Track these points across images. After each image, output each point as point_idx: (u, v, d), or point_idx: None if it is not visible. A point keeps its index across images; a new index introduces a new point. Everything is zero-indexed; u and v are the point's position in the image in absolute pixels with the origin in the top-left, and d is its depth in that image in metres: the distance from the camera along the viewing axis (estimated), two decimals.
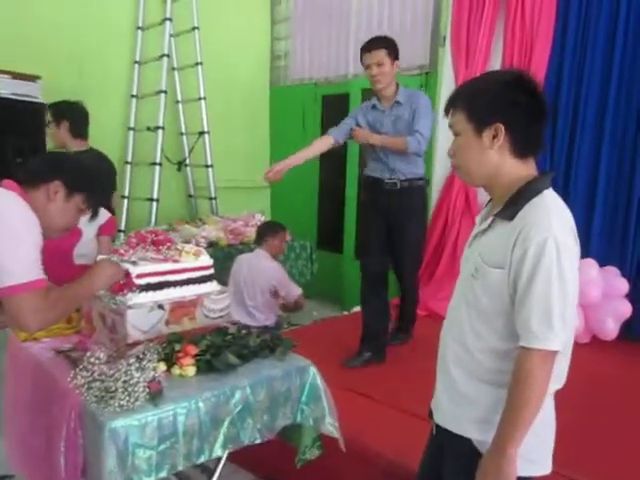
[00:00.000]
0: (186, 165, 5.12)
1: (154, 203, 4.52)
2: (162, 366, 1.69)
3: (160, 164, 4.55)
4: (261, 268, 3.44)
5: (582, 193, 3.83)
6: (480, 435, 1.28)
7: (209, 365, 1.72)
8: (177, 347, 1.74)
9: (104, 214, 2.52)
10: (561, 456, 1.39)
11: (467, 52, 4.21)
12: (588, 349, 3.46)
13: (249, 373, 1.75)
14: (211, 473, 1.91)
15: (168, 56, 4.66)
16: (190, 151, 5.04)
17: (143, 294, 1.84)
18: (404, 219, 3.08)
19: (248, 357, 1.82)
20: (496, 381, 1.26)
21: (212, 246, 4.16)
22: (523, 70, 1.29)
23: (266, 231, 3.65)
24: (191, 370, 1.69)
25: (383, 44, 2.94)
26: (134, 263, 1.88)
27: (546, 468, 1.31)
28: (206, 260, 2.03)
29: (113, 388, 1.47)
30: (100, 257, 1.99)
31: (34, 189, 1.69)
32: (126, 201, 4.70)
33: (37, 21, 4.17)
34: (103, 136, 4.69)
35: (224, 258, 4.19)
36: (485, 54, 4.13)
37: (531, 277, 1.16)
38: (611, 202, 3.73)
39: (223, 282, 3.94)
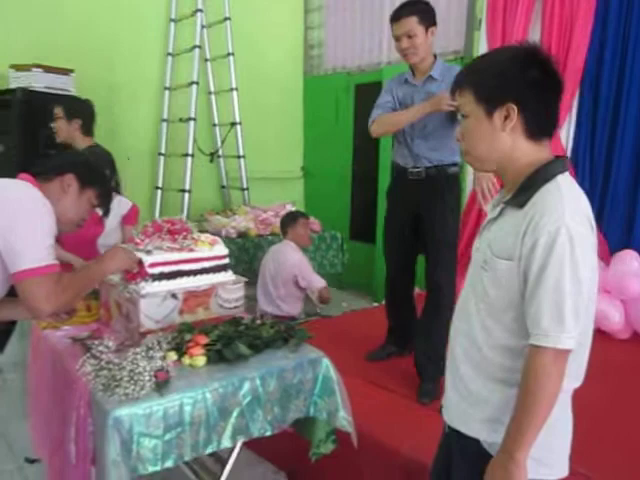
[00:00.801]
0: (219, 156, 5.14)
1: (186, 194, 4.56)
2: (172, 355, 1.68)
3: (192, 155, 4.58)
4: (285, 259, 3.44)
5: (625, 180, 3.63)
6: (489, 436, 1.21)
7: (219, 355, 1.70)
8: (187, 337, 1.73)
9: (126, 204, 2.54)
10: (594, 456, 1.31)
11: (503, 35, 4.06)
12: (628, 345, 3.30)
13: (260, 364, 1.72)
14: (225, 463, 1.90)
15: (200, 47, 4.68)
16: (222, 142, 5.06)
17: (156, 283, 1.84)
18: (433, 214, 2.67)
19: (260, 348, 1.79)
20: (506, 379, 1.18)
21: (242, 236, 4.17)
22: (534, 44, 1.20)
23: (286, 222, 3.65)
24: (201, 360, 1.68)
25: (413, 10, 2.53)
26: (148, 252, 1.88)
27: (561, 472, 1.23)
28: (221, 249, 2.01)
29: (119, 377, 1.47)
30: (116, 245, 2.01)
31: (48, 181, 1.72)
32: (159, 192, 4.77)
33: (69, 15, 4.24)
34: (136, 128, 4.78)
35: (254, 248, 4.20)
36: (522, 37, 3.96)
37: (542, 269, 1.08)
38: None
39: (252, 272, 3.98)
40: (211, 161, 5.01)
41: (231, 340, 1.74)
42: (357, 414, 1.91)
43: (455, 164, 2.70)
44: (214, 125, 5.17)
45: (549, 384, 1.09)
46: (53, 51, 3.97)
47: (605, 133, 3.70)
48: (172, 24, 4.79)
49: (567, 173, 1.18)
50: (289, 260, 3.46)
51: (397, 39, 2.59)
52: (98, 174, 1.81)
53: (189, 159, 4.56)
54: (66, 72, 3.78)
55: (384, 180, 4.99)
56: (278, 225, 4.31)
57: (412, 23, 2.53)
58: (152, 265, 1.83)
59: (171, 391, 1.52)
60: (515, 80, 1.15)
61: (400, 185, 2.84)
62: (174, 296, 1.86)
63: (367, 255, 5.21)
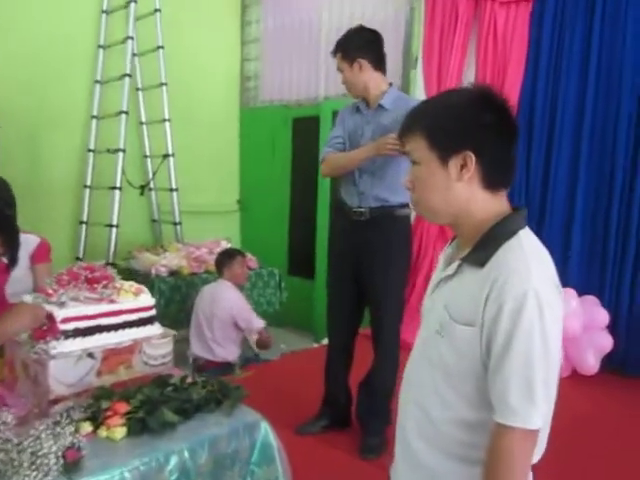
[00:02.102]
0: (150, 189, 4.89)
1: (113, 229, 4.27)
2: (87, 427, 1.46)
3: (120, 188, 4.31)
4: (221, 299, 3.24)
5: (559, 218, 3.70)
6: None
7: (142, 425, 1.48)
8: (105, 404, 1.50)
9: (33, 240, 2.25)
10: None
11: (439, 74, 4.11)
12: (568, 383, 3.28)
13: (189, 433, 1.52)
14: None
15: (130, 76, 4.45)
16: (154, 174, 4.82)
17: (70, 341, 1.61)
18: (375, 261, 2.46)
19: (190, 412, 1.59)
20: (466, 457, 1.05)
21: (173, 275, 3.93)
22: (488, 85, 1.11)
23: (222, 260, 3.47)
24: (120, 432, 1.45)
25: (339, 46, 2.54)
26: (62, 304, 1.66)
27: None
28: (147, 300, 1.81)
29: (18, 461, 1.23)
30: (25, 297, 1.76)
31: None
32: (84, 227, 4.46)
33: None
34: (60, 158, 4.48)
35: (187, 287, 3.97)
36: (457, 76, 4.03)
37: (508, 339, 0.96)
38: (589, 228, 3.60)
39: (184, 312, 3.74)
40: (141, 194, 4.74)
41: (156, 406, 1.53)
42: (298, 477, 1.73)
43: (405, 205, 2.50)
44: (145, 157, 4.92)
45: (518, 466, 0.97)
46: None
47: (539, 173, 3.77)
48: (101, 50, 4.56)
49: (527, 228, 1.09)
50: (226, 300, 3.26)
51: None
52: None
53: (117, 192, 4.29)
54: None
55: (323, 213, 4.90)
56: (212, 263, 4.11)
57: (338, 59, 2.55)
58: (65, 320, 1.60)
59: (83, 474, 1.29)
60: (473, 126, 1.05)
61: (342, 225, 2.65)
62: (91, 355, 1.64)
63: (307, 291, 5.06)
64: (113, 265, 4.17)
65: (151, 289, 3.85)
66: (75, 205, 4.55)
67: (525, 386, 0.95)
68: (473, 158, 1.04)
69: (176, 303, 3.89)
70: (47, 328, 1.60)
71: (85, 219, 4.45)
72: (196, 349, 3.36)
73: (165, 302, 3.83)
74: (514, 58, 3.73)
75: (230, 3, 5.57)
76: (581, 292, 3.39)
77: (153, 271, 3.86)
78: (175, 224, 4.87)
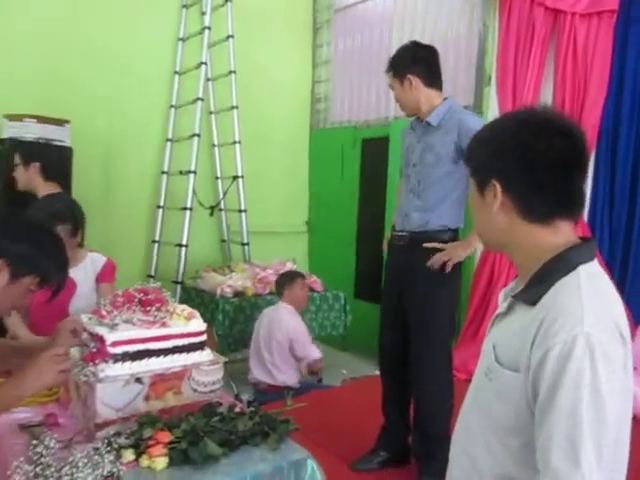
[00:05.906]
0: (220, 209, 4.98)
1: (183, 249, 4.37)
2: (129, 455, 1.43)
3: (191, 209, 4.41)
4: (280, 323, 3.19)
5: None
6: None
7: (184, 456, 1.44)
8: (148, 433, 1.47)
9: (99, 260, 2.30)
10: None
11: (514, 92, 3.92)
12: None
13: (232, 467, 1.46)
14: None
15: (203, 100, 4.58)
16: (224, 195, 4.91)
17: (119, 365, 1.60)
18: (413, 290, 2.35)
19: (235, 445, 1.53)
20: None
21: (238, 296, 3.94)
22: (537, 109, 0.99)
23: (282, 282, 3.43)
24: (161, 462, 1.41)
25: (390, 64, 2.46)
26: (114, 326, 1.66)
27: None
28: (198, 325, 1.78)
29: None
30: (82, 316, 1.78)
31: None
32: (156, 246, 4.59)
33: (72, 66, 4.18)
34: (135, 180, 4.65)
35: (251, 308, 3.97)
36: (534, 94, 3.82)
37: (553, 390, 0.83)
38: None
39: (247, 334, 3.74)
40: (211, 214, 4.84)
41: (200, 436, 1.48)
42: None
43: (448, 230, 2.35)
44: (216, 178, 5.03)
45: None
46: (48, 102, 3.87)
47: (625, 193, 3.48)
48: (176, 76, 4.73)
49: (593, 262, 0.95)
50: (285, 325, 3.22)
51: None
52: (37, 257, 1.45)
53: (187, 212, 4.39)
54: (61, 123, 3.65)
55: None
56: None
57: (390, 77, 2.48)
58: (114, 344, 1.59)
59: None
60: (501, 154, 0.97)
61: (390, 250, 2.58)
62: (139, 380, 1.62)
63: (372, 315, 4.91)
64: (181, 284, 4.27)
65: (216, 309, 3.89)
66: (148, 224, 4.69)
67: (569, 447, 0.81)
68: (498, 187, 0.97)
69: (240, 324, 3.90)
70: (97, 350, 1.61)
71: (157, 238, 4.58)
72: (256, 373, 3.33)
73: (229, 323, 3.84)
74: (596, 75, 3.49)
75: (302, 27, 5.63)
76: None
77: (218, 291, 3.89)
78: (243, 244, 4.92)
